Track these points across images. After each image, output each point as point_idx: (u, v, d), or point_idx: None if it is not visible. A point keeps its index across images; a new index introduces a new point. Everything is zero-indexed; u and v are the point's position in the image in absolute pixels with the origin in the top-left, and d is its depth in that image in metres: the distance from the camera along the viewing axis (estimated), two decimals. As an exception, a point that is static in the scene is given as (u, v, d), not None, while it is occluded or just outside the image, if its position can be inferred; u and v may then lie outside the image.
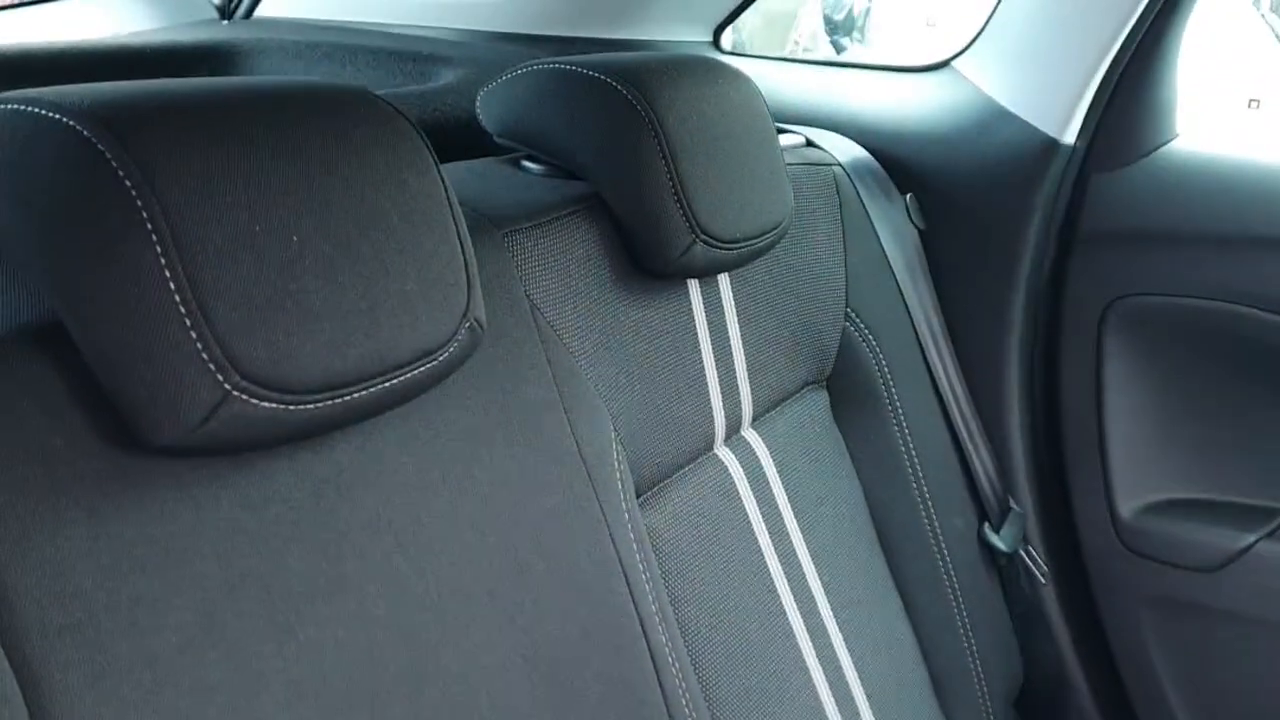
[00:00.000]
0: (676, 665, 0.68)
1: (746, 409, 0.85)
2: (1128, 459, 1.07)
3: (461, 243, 0.55)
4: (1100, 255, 1.04)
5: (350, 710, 0.50)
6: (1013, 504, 1.07)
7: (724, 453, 0.84)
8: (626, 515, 0.69)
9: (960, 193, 1.05)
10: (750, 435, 0.86)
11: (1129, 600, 1.09)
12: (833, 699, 0.84)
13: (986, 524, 1.04)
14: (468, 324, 0.54)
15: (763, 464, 0.86)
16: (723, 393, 0.83)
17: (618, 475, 0.69)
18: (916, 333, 1.02)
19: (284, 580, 0.49)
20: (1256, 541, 1.02)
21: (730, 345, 0.84)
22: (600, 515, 0.66)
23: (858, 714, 0.85)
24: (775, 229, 0.80)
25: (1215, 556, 1.04)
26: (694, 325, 0.81)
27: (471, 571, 0.57)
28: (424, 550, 0.55)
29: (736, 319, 0.84)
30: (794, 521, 0.86)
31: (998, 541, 1.03)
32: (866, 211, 1.00)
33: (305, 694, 0.48)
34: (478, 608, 0.57)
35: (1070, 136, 1.01)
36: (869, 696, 0.86)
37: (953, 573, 0.99)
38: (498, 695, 0.56)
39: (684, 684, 0.69)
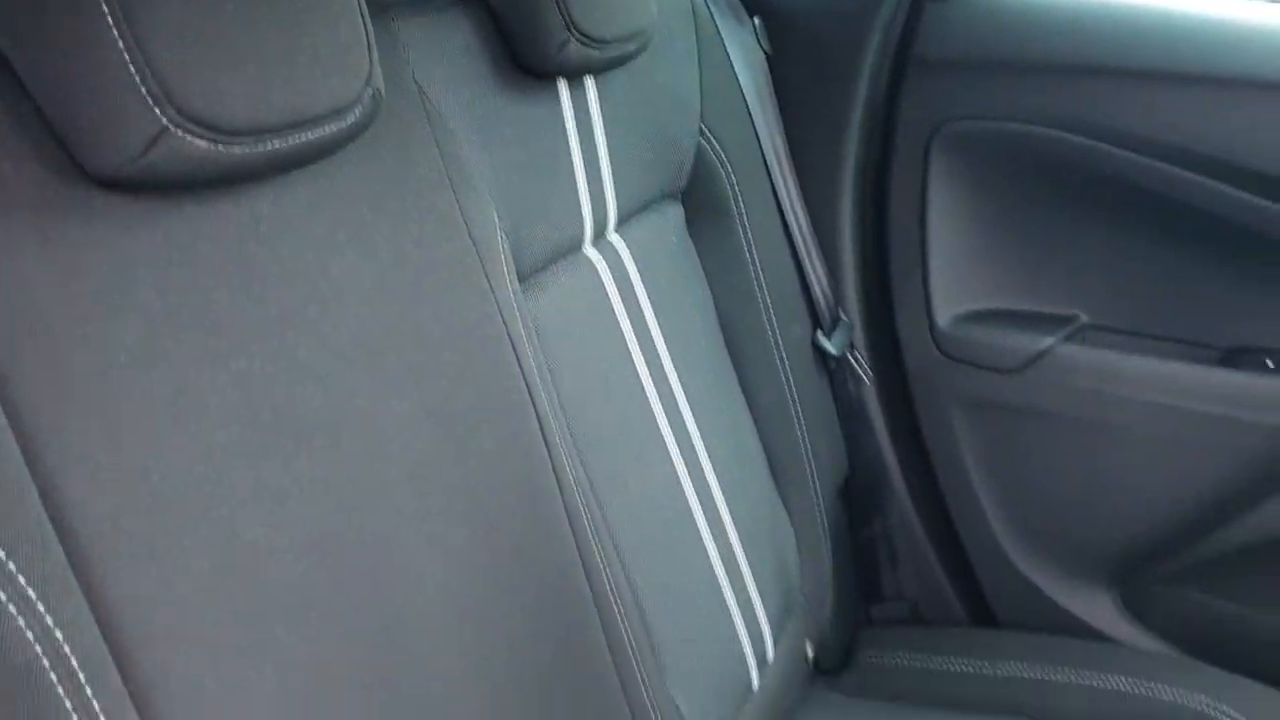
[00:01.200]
0: (559, 430, 0.74)
1: (611, 212, 0.90)
2: (946, 272, 1.17)
3: (363, 16, 0.58)
4: (932, 80, 1.12)
5: (278, 436, 0.53)
6: (842, 314, 1.16)
7: (592, 253, 0.89)
8: (512, 296, 0.73)
9: (802, 17, 1.11)
10: (615, 239, 0.91)
11: (943, 401, 1.20)
12: (687, 473, 0.91)
13: (819, 331, 1.13)
14: (370, 91, 0.58)
15: (627, 267, 0.92)
16: (590, 194, 0.87)
17: (502, 259, 0.74)
18: (763, 152, 1.09)
19: (214, 315, 0.52)
20: (1054, 344, 1.14)
21: (596, 149, 0.88)
22: (490, 292, 0.71)
23: (707, 486, 0.93)
24: (641, 33, 0.84)
25: (1019, 358, 1.15)
26: (564, 126, 0.84)
27: (377, 328, 0.61)
28: (335, 302, 0.58)
29: (602, 123, 0.88)
30: (654, 320, 0.92)
31: (828, 346, 1.12)
32: (719, 33, 1.05)
33: (238, 418, 0.52)
34: (385, 361, 0.61)
35: (906, -34, 1.08)
36: (717, 473, 0.94)
37: (789, 373, 1.07)
38: (407, 444, 0.61)
39: (565, 445, 0.74)
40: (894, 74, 1.12)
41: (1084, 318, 1.15)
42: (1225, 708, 1.02)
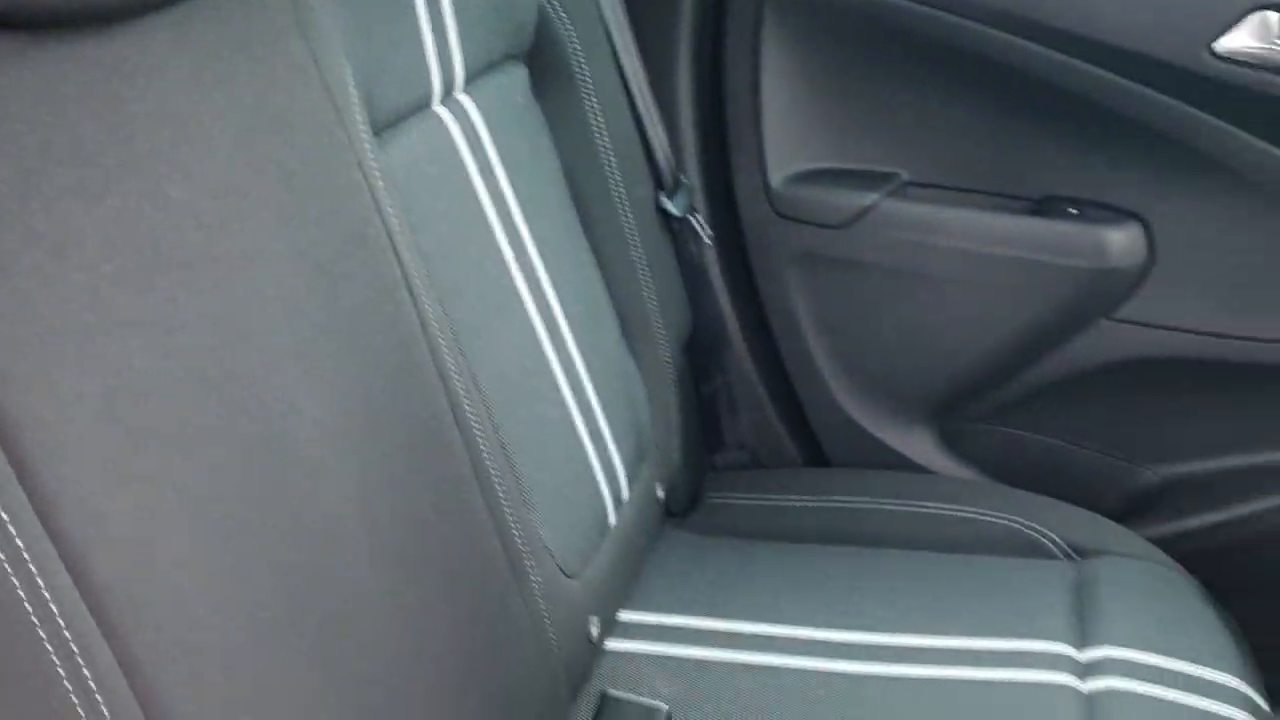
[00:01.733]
0: (420, 280, 0.76)
1: (459, 71, 0.91)
2: (780, 133, 1.22)
3: None
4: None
5: (158, 271, 0.54)
6: (682, 177, 1.20)
7: (442, 111, 0.90)
8: (368, 148, 0.75)
9: None
10: (464, 99, 0.93)
11: (777, 258, 1.26)
12: (544, 326, 0.94)
13: (662, 192, 1.17)
14: None
15: (476, 125, 0.93)
16: (437, 53, 0.88)
17: (357, 110, 0.75)
18: (601, 14, 1.11)
19: (86, 151, 0.52)
20: (878, 200, 1.21)
21: (441, 6, 0.89)
22: (348, 142, 0.72)
23: (563, 339, 0.96)
24: None
25: (846, 214, 1.21)
26: None
27: (247, 171, 0.62)
28: (204, 144, 0.59)
29: None
30: (505, 178, 0.94)
31: (671, 207, 1.16)
32: None
33: (117, 252, 0.52)
34: (255, 203, 0.62)
35: None
36: (571, 327, 0.98)
37: (635, 233, 1.11)
38: (280, 283, 0.62)
39: (427, 294, 0.77)
40: (728, -62, 1.15)
41: (905, 175, 1.22)
42: (1037, 525, 1.12)
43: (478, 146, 0.92)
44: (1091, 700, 0.91)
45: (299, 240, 0.64)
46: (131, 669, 0.49)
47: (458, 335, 0.81)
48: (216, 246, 0.58)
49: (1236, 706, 0.93)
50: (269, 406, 0.59)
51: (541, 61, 1.04)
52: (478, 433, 0.79)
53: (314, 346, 0.64)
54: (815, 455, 1.33)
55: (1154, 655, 0.95)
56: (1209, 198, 1.14)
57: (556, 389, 0.94)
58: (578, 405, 0.97)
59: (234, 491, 0.56)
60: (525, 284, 0.94)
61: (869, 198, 1.21)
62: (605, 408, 1.01)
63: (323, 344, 0.64)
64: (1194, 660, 0.95)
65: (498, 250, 0.91)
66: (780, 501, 1.20)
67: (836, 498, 1.19)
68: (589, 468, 0.96)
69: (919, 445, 1.29)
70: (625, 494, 1.02)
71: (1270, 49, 1.07)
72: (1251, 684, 0.97)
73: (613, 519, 1.00)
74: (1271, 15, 1.08)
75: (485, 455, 0.79)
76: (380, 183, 0.74)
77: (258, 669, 0.56)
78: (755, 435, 1.32)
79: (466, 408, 0.78)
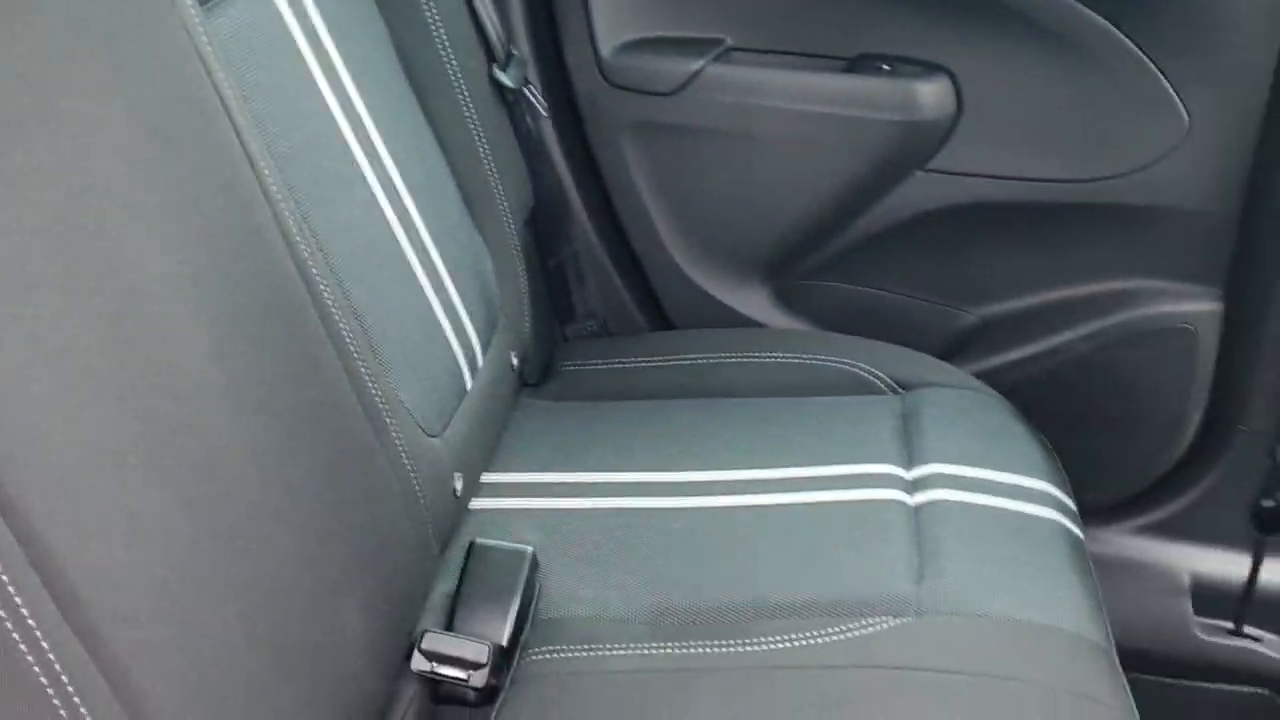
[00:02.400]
0: (257, 146, 0.77)
1: None
2: (607, 3, 1.24)
3: None
4: None
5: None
6: (514, 49, 1.22)
7: None
8: (195, 15, 0.74)
9: None
10: None
11: (614, 129, 1.29)
12: (385, 196, 0.95)
13: (494, 65, 1.18)
14: None
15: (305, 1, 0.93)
16: None
17: None
18: None
19: None
20: (704, 66, 1.25)
21: None
22: (173, 10, 0.71)
23: (406, 209, 0.98)
24: None
25: (675, 81, 1.25)
26: None
27: (71, 34, 0.61)
28: (29, 7, 0.59)
29: None
30: (335, 50, 0.95)
31: (505, 79, 1.18)
32: None
33: None
34: (83, 65, 0.61)
35: None
36: (414, 198, 0.99)
37: (471, 106, 1.12)
38: (118, 145, 0.62)
39: (265, 160, 0.77)
40: None
41: (729, 40, 1.26)
42: (865, 365, 1.20)
43: (304, 17, 0.92)
44: (918, 511, 0.99)
45: (132, 103, 0.65)
46: (6, 508, 0.51)
47: (298, 201, 0.82)
48: (48, 108, 0.59)
49: (1048, 507, 1.02)
50: (114, 261, 0.60)
51: None
52: (326, 295, 0.81)
53: (155, 207, 0.64)
54: (661, 319, 1.38)
55: (972, 468, 1.03)
56: (1011, 49, 1.20)
57: (403, 256, 0.96)
58: (425, 272, 0.99)
59: (86, 340, 0.57)
60: (363, 154, 0.95)
61: (695, 64, 1.24)
62: (453, 276, 1.03)
63: (164, 204, 0.65)
64: (1009, 470, 1.04)
65: (333, 120, 0.92)
66: (629, 364, 1.25)
67: (681, 356, 1.24)
68: (441, 332, 0.99)
69: (756, 302, 1.35)
70: (480, 359, 1.05)
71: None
72: (1061, 488, 1.06)
73: (469, 382, 1.03)
74: None
75: (336, 316, 0.81)
76: (209, 48, 0.74)
77: (129, 511, 0.58)
78: (603, 304, 1.36)
79: (313, 270, 0.80)
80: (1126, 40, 1.17)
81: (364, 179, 0.94)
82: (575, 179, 1.30)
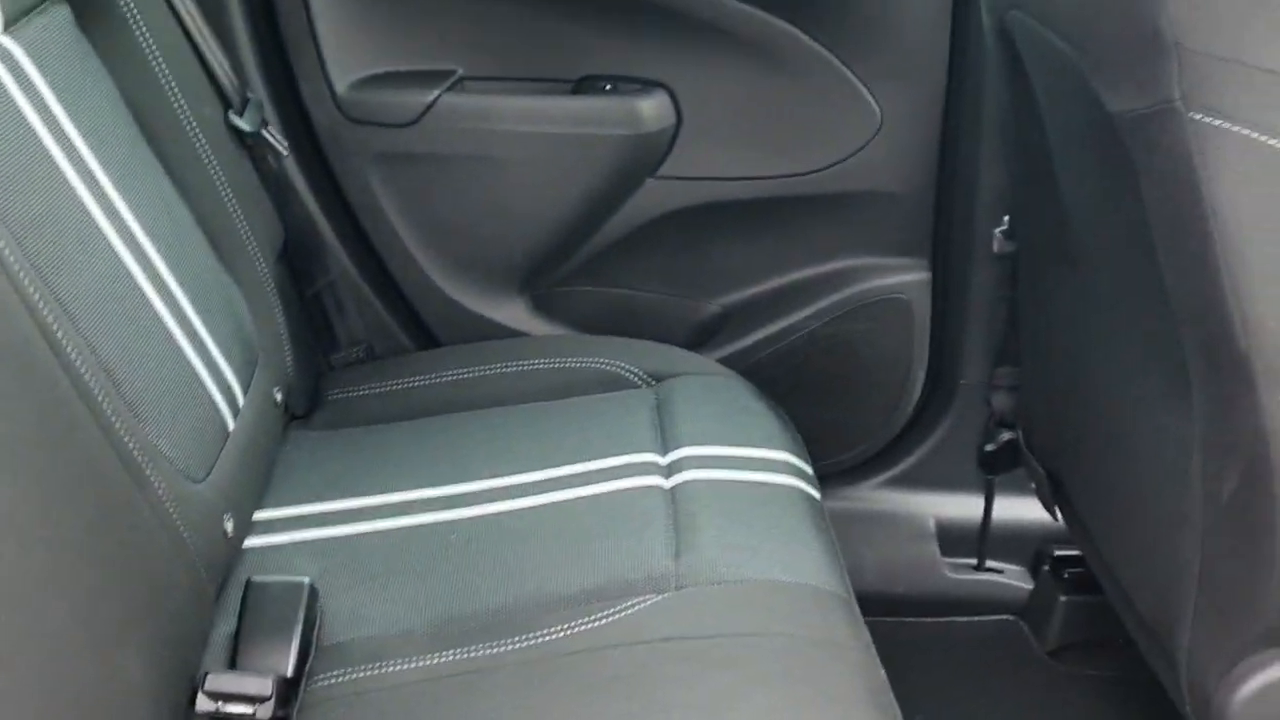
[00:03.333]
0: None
1: None
2: (337, 43, 1.27)
3: None
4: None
5: None
6: (249, 93, 1.23)
7: None
8: None
9: None
10: (6, 41, 0.91)
11: (357, 162, 1.32)
12: (129, 251, 0.95)
13: (230, 111, 1.19)
14: None
15: (24, 66, 0.92)
16: None
17: None
18: None
19: None
20: (440, 96, 1.29)
21: None
22: None
23: (150, 262, 0.98)
24: None
25: (412, 112, 1.29)
26: None
27: None
28: None
29: None
30: (64, 114, 0.94)
31: (241, 124, 1.19)
32: None
33: None
34: None
35: None
36: (158, 250, 0.99)
37: (210, 153, 1.13)
38: None
39: (2, 235, 0.78)
40: None
41: (460, 70, 1.31)
42: (619, 362, 1.26)
43: (28, 85, 0.91)
44: (674, 493, 1.06)
45: None
46: None
47: (39, 269, 0.82)
48: None
49: (787, 475, 1.11)
50: None
51: (82, 1, 1.03)
52: (75, 357, 0.81)
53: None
54: (427, 339, 1.42)
55: (718, 447, 1.11)
56: (719, 62, 1.30)
57: (151, 308, 0.96)
58: (176, 321, 0.99)
59: None
60: (103, 214, 0.94)
61: (430, 95, 1.28)
62: (206, 322, 1.03)
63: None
64: (751, 445, 1.13)
65: (67, 185, 0.92)
66: (397, 386, 1.28)
67: (448, 373, 1.27)
68: (197, 378, 1.00)
69: (515, 312, 1.41)
70: (240, 399, 1.06)
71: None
72: (799, 455, 1.15)
73: (230, 423, 1.04)
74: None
75: (87, 377, 0.82)
76: None
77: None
78: (368, 330, 1.39)
79: (57, 333, 0.80)
80: (817, 45, 1.27)
81: (105, 238, 0.94)
82: (324, 211, 1.32)
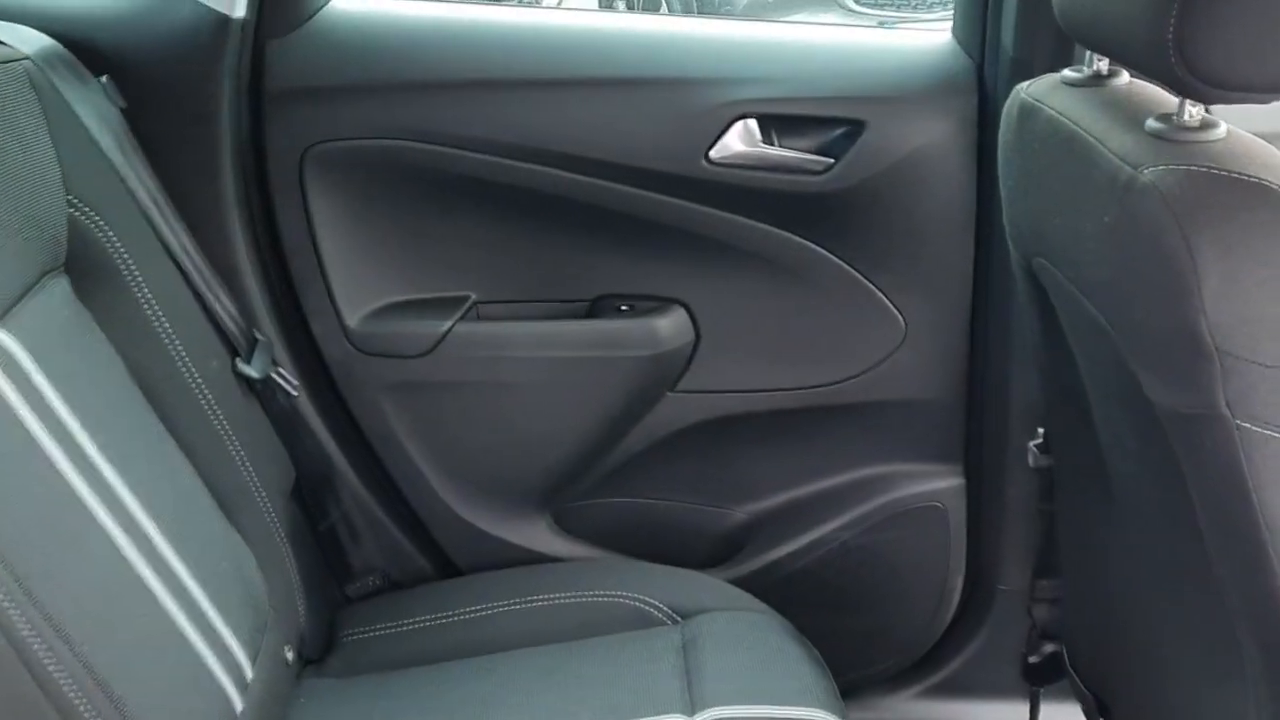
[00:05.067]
0: None
1: None
2: (346, 279, 1.25)
3: None
4: (288, 111, 1.17)
5: None
6: (258, 335, 1.21)
7: None
8: None
9: (152, 69, 1.12)
10: (2, 335, 0.89)
11: (371, 393, 1.29)
12: (131, 543, 0.92)
13: (238, 358, 1.17)
14: None
15: (19, 359, 0.89)
16: None
17: None
18: (139, 204, 1.09)
19: None
20: (453, 325, 1.27)
21: None
22: None
23: (154, 548, 0.95)
24: None
25: (426, 343, 1.26)
26: None
27: None
28: None
29: None
30: (61, 402, 0.92)
31: (250, 370, 1.16)
32: (66, 100, 1.03)
33: None
34: None
35: (240, 11, 1.11)
36: (163, 531, 0.96)
37: (216, 407, 1.10)
38: None
39: None
40: (253, 109, 1.16)
41: (474, 296, 1.29)
42: (643, 596, 1.21)
43: (24, 383, 0.89)
44: (704, 765, 1.00)
45: None
46: None
47: (26, 587, 0.79)
48: None
49: (822, 733, 1.06)
50: None
51: (81, 266, 1.01)
52: (56, 673, 0.78)
53: None
54: (445, 564, 1.38)
55: (751, 707, 1.06)
56: (737, 278, 1.27)
57: (154, 602, 0.93)
58: (183, 608, 0.95)
59: None
60: (101, 504, 0.91)
61: (444, 324, 1.26)
62: (212, 597, 1.00)
63: None
64: (785, 703, 1.07)
65: (64, 483, 0.89)
66: (416, 624, 1.23)
67: (465, 610, 1.23)
68: (203, 669, 0.96)
69: (535, 535, 1.37)
70: (249, 675, 1.02)
71: (753, 150, 1.22)
72: (833, 709, 1.10)
73: (239, 706, 1.00)
74: (751, 122, 1.22)
75: (75, 698, 0.78)
76: None
77: None
78: (384, 558, 1.35)
79: (41, 657, 0.77)
80: (837, 260, 1.25)
81: (103, 532, 0.90)
82: (339, 445, 1.29)
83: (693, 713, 1.06)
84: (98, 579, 0.89)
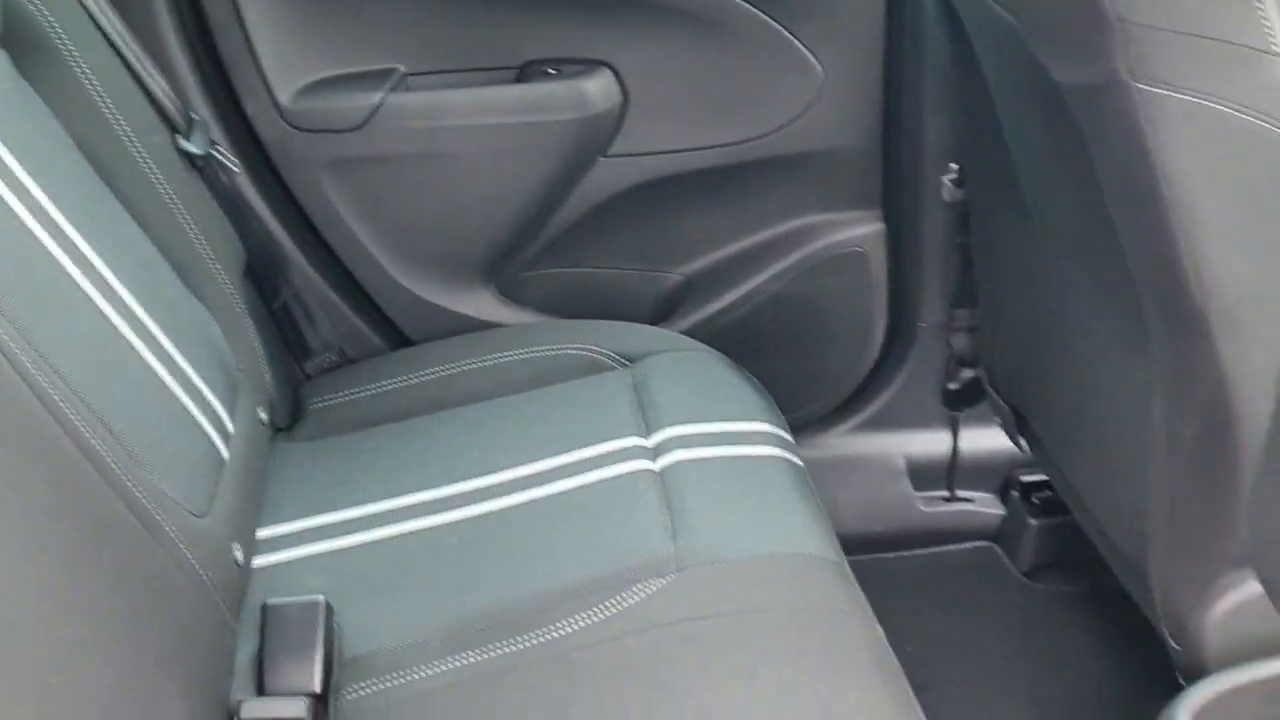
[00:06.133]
0: None
1: None
2: (275, 54, 1.26)
3: None
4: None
5: None
6: (194, 114, 1.22)
7: None
8: None
9: None
10: None
11: (309, 171, 1.32)
12: (103, 297, 0.96)
13: (178, 135, 1.18)
14: None
15: None
16: None
17: None
18: None
19: None
20: (384, 97, 1.29)
21: None
22: None
23: (124, 303, 0.97)
24: None
25: (358, 116, 1.29)
26: None
27: None
28: None
29: None
30: (18, 164, 0.93)
31: (190, 147, 1.18)
32: None
33: None
34: None
35: None
36: (129, 288, 0.99)
37: (165, 182, 1.13)
38: None
39: None
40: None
41: (403, 68, 1.31)
42: (591, 346, 1.29)
43: (-21, 142, 0.91)
44: (663, 475, 1.09)
45: None
46: None
47: (27, 335, 0.83)
48: None
49: (769, 445, 1.15)
50: None
51: (20, 44, 1.02)
52: (73, 416, 0.82)
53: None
54: (398, 338, 1.43)
55: (700, 424, 1.14)
56: (660, 36, 1.31)
57: (135, 353, 0.97)
58: (159, 360, 1.00)
59: None
60: (75, 266, 0.95)
61: (375, 96, 1.28)
62: (187, 356, 1.04)
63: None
64: (731, 418, 1.16)
65: (38, 243, 0.91)
66: (376, 390, 1.29)
67: (424, 372, 1.29)
68: (189, 415, 1.01)
69: (483, 305, 1.42)
70: (229, 426, 1.08)
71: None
72: (777, 424, 1.19)
73: (225, 453, 1.05)
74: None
75: (88, 435, 0.83)
76: None
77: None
78: (339, 335, 1.40)
79: (54, 396, 0.81)
80: (755, 10, 1.29)
81: (81, 290, 0.94)
82: (282, 223, 1.32)
83: (648, 434, 1.14)
84: (85, 332, 0.92)
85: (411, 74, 1.31)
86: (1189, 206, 0.79)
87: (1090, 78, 0.81)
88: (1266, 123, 0.77)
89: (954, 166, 1.34)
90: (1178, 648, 0.99)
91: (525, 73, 1.32)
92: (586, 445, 1.14)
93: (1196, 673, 0.97)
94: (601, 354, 1.27)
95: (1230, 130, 0.77)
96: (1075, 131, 0.87)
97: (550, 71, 1.31)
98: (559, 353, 1.28)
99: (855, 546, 1.53)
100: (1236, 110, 0.77)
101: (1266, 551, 0.65)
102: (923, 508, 1.54)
